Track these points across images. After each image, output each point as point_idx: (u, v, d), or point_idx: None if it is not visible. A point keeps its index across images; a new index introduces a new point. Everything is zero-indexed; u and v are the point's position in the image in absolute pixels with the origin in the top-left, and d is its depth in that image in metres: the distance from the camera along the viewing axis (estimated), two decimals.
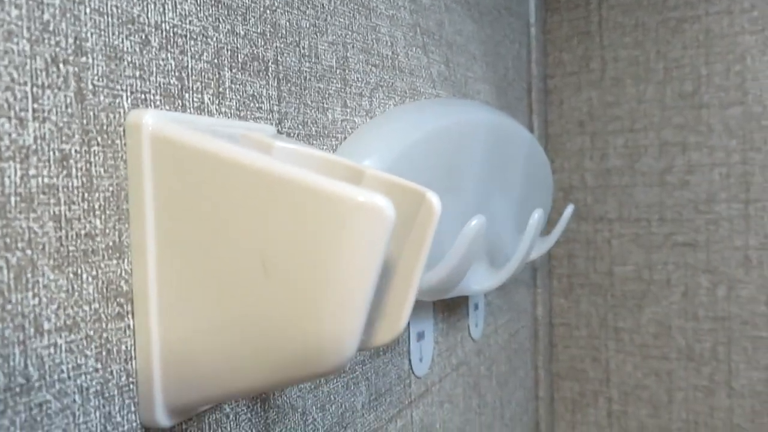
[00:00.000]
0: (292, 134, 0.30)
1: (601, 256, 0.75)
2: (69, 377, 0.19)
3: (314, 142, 0.31)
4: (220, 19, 0.25)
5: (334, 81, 0.33)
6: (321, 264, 0.18)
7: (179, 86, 0.23)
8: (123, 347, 0.21)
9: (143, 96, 0.22)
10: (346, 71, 0.34)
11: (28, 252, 0.18)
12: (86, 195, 0.20)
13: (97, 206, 0.20)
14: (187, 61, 0.24)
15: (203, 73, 0.24)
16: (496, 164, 0.44)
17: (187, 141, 0.20)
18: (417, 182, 0.33)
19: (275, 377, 0.20)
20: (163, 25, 0.23)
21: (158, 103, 0.22)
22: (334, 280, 0.18)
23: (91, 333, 0.20)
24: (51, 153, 0.19)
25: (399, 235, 0.23)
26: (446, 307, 0.48)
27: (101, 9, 0.20)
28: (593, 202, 0.75)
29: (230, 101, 0.26)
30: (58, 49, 0.19)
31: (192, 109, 0.24)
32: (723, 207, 0.68)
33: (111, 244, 0.20)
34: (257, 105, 0.27)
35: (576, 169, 0.76)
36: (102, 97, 0.20)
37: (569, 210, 0.56)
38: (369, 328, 0.23)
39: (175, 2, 0.23)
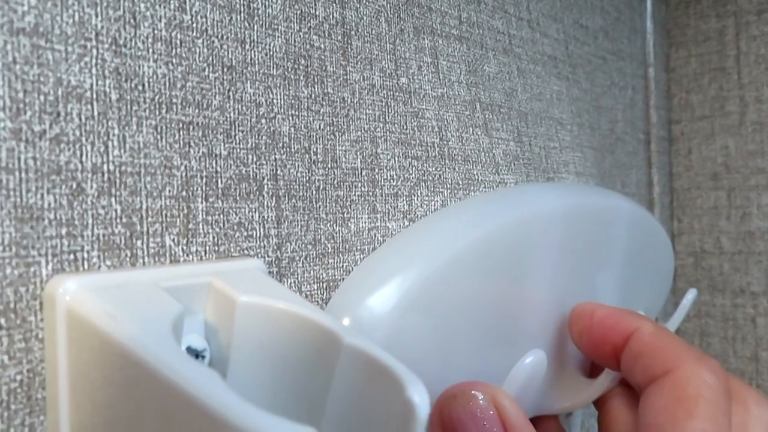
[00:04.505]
0: (297, 258, 0.25)
1: (742, 337, 0.62)
2: None
3: (330, 261, 0.26)
4: (191, 143, 0.21)
5: (359, 185, 0.28)
6: None
7: (127, 234, 0.20)
8: None
9: (72, 256, 0.18)
10: (376, 170, 0.29)
11: None
12: None
13: None
14: (140, 202, 0.20)
15: (164, 212, 0.21)
16: (583, 249, 0.36)
17: (97, 322, 0.16)
18: (451, 311, 0.27)
19: None
20: (105, 166, 0.19)
21: (95, 260, 0.19)
22: None
23: None
24: None
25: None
26: None
27: (10, 165, 0.17)
28: (731, 271, 0.62)
29: (204, 237, 0.22)
30: None
31: (147, 257, 0.20)
32: None
33: None
34: (245, 234, 0.23)
35: (709, 230, 0.63)
36: (9, 270, 0.17)
37: (690, 296, 0.46)
38: None
39: (123, 137, 0.19)
